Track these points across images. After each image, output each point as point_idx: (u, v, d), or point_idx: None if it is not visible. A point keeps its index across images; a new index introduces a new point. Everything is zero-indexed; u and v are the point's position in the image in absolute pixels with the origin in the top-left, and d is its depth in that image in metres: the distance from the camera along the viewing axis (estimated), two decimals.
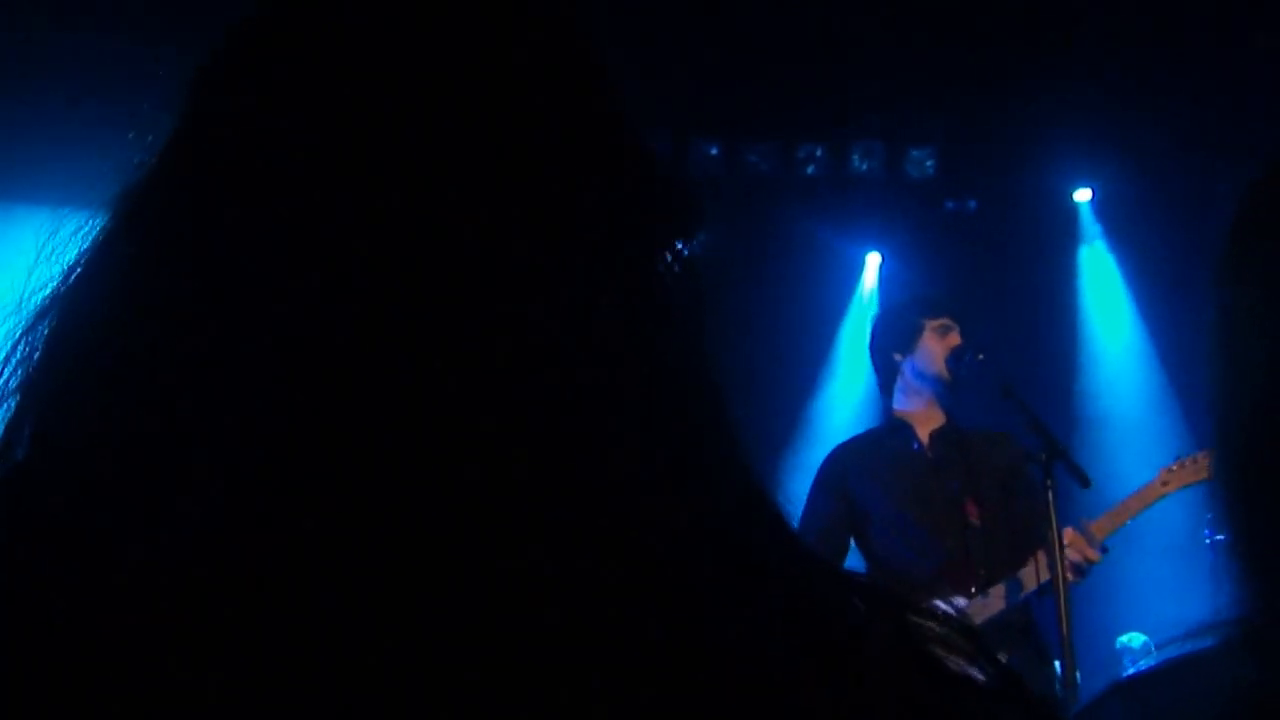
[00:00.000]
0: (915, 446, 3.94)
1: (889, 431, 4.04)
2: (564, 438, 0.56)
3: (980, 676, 0.59)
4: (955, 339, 3.90)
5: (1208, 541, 4.70)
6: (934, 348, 3.91)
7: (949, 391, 3.92)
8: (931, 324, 3.94)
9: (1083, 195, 6.62)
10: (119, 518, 0.54)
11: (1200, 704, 0.83)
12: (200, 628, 0.52)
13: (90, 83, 4.31)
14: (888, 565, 3.87)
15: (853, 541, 3.98)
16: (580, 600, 0.53)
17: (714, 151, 6.17)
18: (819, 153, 6.25)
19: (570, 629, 0.53)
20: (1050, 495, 3.43)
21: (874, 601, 0.60)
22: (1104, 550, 3.64)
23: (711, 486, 0.60)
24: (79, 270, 0.63)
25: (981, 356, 3.85)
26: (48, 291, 0.63)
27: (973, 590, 3.75)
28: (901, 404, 4.02)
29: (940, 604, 3.76)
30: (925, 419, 3.96)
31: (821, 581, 0.61)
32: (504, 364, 0.56)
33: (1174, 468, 3.67)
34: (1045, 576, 3.52)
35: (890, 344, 4.05)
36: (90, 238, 0.64)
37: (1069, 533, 3.58)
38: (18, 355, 0.62)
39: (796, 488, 4.83)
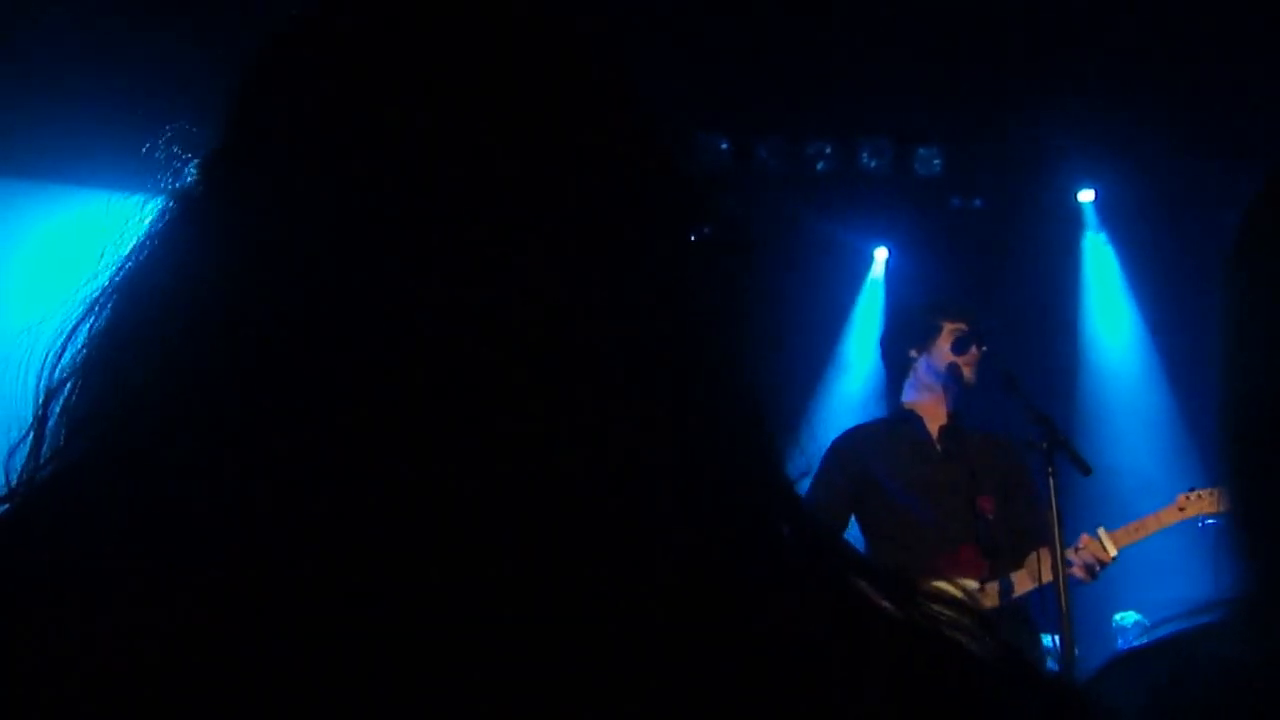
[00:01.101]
0: (924, 437, 4.05)
1: (899, 420, 4.14)
2: (592, 423, 0.57)
3: (986, 655, 0.60)
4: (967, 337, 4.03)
5: (1201, 526, 4.83)
6: (950, 348, 4.04)
7: (959, 389, 4.05)
8: (950, 326, 4.05)
9: (1086, 196, 6.65)
10: (193, 511, 0.55)
11: (1199, 677, 0.84)
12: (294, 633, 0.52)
13: (146, 67, 4.36)
14: (894, 548, 3.97)
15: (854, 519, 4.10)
16: (609, 573, 0.55)
17: (724, 146, 6.22)
18: (828, 149, 6.32)
19: (603, 597, 0.54)
20: (1052, 482, 3.54)
21: (885, 584, 0.61)
22: (1114, 559, 3.77)
23: (737, 472, 0.61)
24: (136, 260, 0.64)
25: (985, 348, 3.97)
26: (106, 279, 0.64)
27: (978, 577, 3.87)
28: (910, 397, 4.12)
29: (947, 586, 3.90)
30: (933, 413, 4.06)
31: (834, 564, 0.62)
32: (536, 356, 0.57)
33: (1192, 496, 3.80)
34: (1047, 578, 3.63)
35: (908, 340, 4.15)
36: (146, 227, 0.65)
37: (1084, 538, 3.71)
38: (77, 342, 0.63)
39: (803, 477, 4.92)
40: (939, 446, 4.02)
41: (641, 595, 0.54)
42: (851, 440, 4.17)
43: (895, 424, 4.15)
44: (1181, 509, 3.81)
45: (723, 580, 0.56)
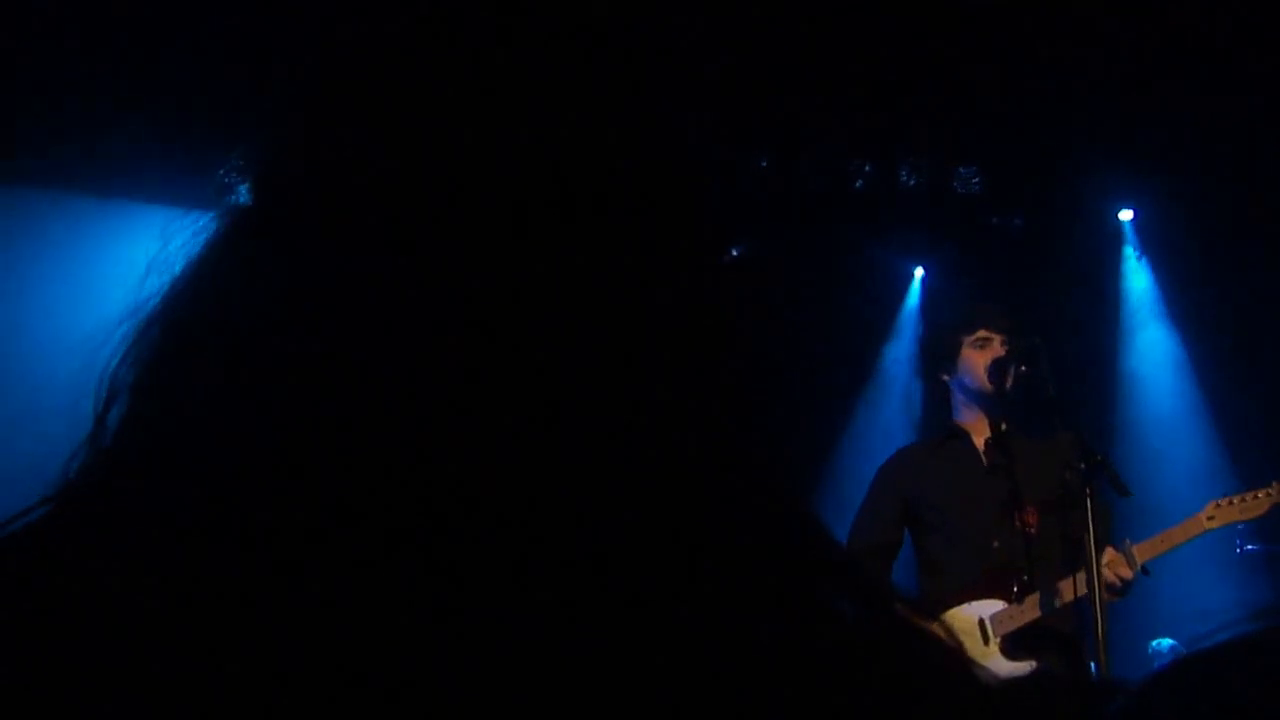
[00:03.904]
0: (970, 453, 4.05)
1: (947, 438, 4.16)
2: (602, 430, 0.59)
3: (935, 680, 0.60)
4: (997, 349, 3.99)
5: (1239, 552, 4.81)
6: (974, 362, 4.01)
7: (998, 401, 4.03)
8: (968, 339, 4.05)
9: (1126, 215, 6.63)
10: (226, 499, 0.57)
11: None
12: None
13: (198, 89, 4.42)
14: (937, 565, 4.00)
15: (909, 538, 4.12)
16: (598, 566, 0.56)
17: (763, 164, 6.24)
18: (867, 168, 6.33)
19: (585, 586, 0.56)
20: (1090, 504, 3.51)
21: (864, 601, 0.62)
22: (1145, 572, 3.72)
23: (729, 476, 0.63)
24: (186, 280, 0.65)
25: (1025, 369, 3.95)
26: (159, 297, 0.65)
27: (1014, 593, 3.87)
28: (959, 416, 4.14)
29: (975, 607, 3.90)
30: (982, 428, 4.05)
31: (795, 569, 0.63)
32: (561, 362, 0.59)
33: (1221, 503, 3.76)
34: (1082, 592, 3.60)
35: (936, 367, 4.18)
36: (198, 247, 0.66)
37: (1110, 552, 3.67)
38: (131, 356, 0.64)
39: (842, 491, 4.98)
40: (985, 461, 4.02)
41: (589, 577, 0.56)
42: (900, 462, 4.22)
43: (942, 443, 4.17)
44: (1210, 518, 3.77)
45: (665, 569, 0.57)
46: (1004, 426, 4.02)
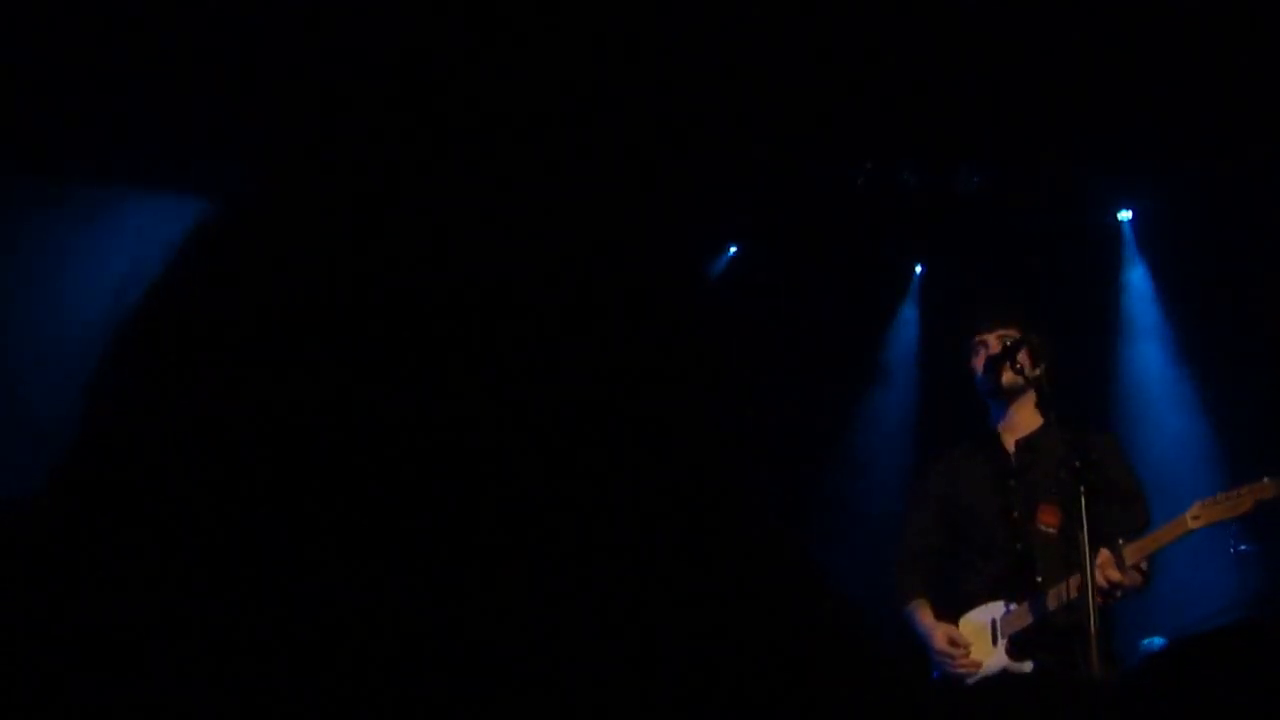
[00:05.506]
0: (997, 455, 4.10)
1: (978, 441, 4.21)
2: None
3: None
4: (992, 348, 4.04)
5: (1233, 552, 4.83)
6: (976, 366, 4.11)
7: (1004, 400, 4.06)
8: (968, 345, 4.13)
9: (1125, 215, 6.63)
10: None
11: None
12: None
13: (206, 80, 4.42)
14: (968, 566, 4.07)
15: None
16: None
17: (765, 164, 6.25)
18: (868, 165, 6.34)
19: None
20: (1083, 503, 3.54)
21: (833, 614, 0.64)
22: (1141, 573, 3.74)
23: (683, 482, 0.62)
24: (182, 274, 0.65)
25: (1019, 367, 3.98)
26: (152, 290, 0.65)
27: (1026, 593, 3.89)
28: (992, 419, 4.19)
29: (991, 608, 3.92)
30: (1013, 428, 4.12)
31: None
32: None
33: (1206, 503, 3.75)
34: (1073, 596, 3.66)
35: (964, 374, 4.22)
36: (192, 241, 0.66)
37: (1103, 553, 3.68)
38: (124, 342, 0.64)
39: (841, 491, 4.98)
40: (1013, 461, 4.07)
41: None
42: (935, 468, 4.29)
43: (976, 447, 4.22)
44: (1195, 518, 3.76)
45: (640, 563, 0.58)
46: (1040, 424, 4.05)
